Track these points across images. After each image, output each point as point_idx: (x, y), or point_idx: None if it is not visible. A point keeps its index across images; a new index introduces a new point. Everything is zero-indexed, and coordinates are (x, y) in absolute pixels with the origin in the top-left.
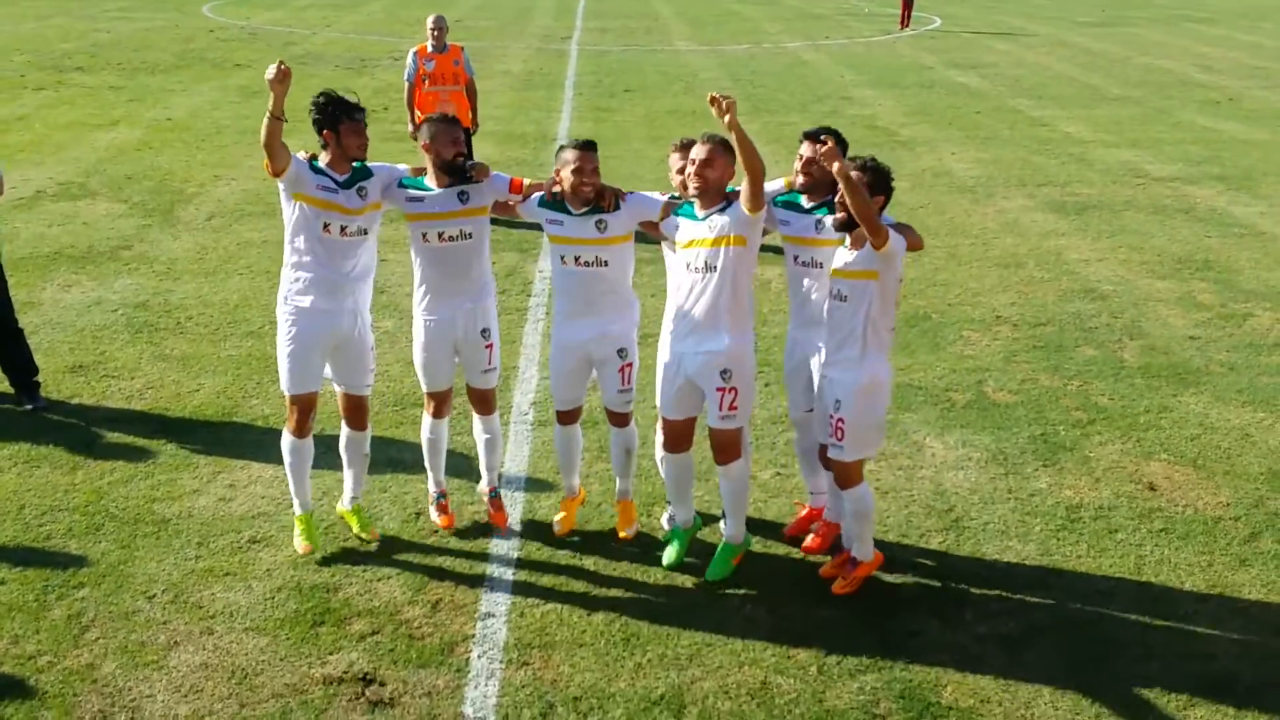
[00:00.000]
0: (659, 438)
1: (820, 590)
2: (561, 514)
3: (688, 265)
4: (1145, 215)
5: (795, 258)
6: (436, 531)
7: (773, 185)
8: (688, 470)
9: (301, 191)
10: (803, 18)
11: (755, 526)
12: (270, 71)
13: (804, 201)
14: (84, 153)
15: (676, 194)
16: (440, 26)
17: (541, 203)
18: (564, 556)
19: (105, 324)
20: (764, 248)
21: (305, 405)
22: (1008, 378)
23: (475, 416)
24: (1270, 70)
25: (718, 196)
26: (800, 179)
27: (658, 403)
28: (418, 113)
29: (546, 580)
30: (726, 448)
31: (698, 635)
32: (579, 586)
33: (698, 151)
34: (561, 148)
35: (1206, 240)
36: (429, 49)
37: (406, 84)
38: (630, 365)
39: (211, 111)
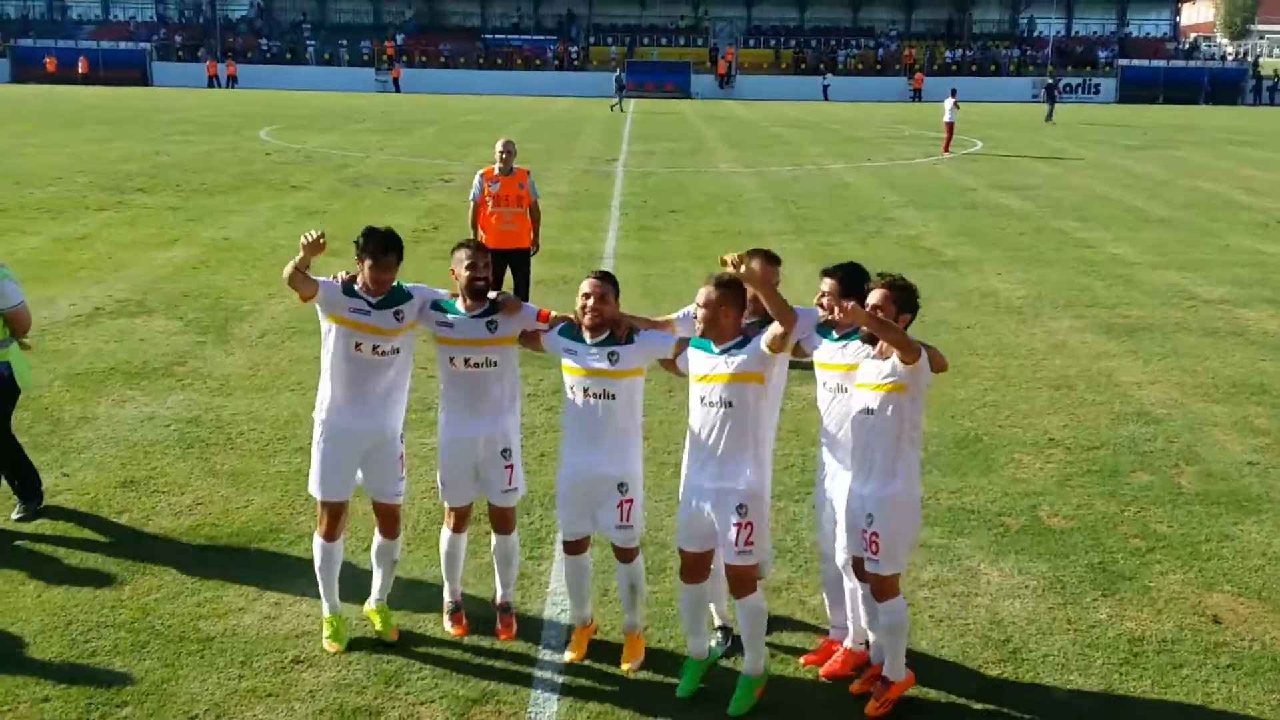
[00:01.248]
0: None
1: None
2: (573, 644)
3: (702, 399)
4: (1197, 338)
5: (824, 384)
6: (483, 649)
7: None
8: (703, 602)
9: (334, 313)
10: (844, 141)
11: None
12: (308, 236)
13: (834, 333)
14: (142, 271)
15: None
16: (509, 150)
17: (562, 331)
18: (610, 682)
19: (157, 439)
20: (811, 363)
21: (334, 511)
22: (1063, 502)
23: (493, 535)
24: None
25: (732, 334)
26: (820, 312)
27: (679, 536)
28: (480, 232)
29: (593, 704)
30: (742, 582)
31: None
32: (626, 711)
33: (703, 294)
34: (592, 275)
35: (1261, 363)
36: (495, 171)
37: (471, 204)
38: (631, 501)
39: (267, 231)
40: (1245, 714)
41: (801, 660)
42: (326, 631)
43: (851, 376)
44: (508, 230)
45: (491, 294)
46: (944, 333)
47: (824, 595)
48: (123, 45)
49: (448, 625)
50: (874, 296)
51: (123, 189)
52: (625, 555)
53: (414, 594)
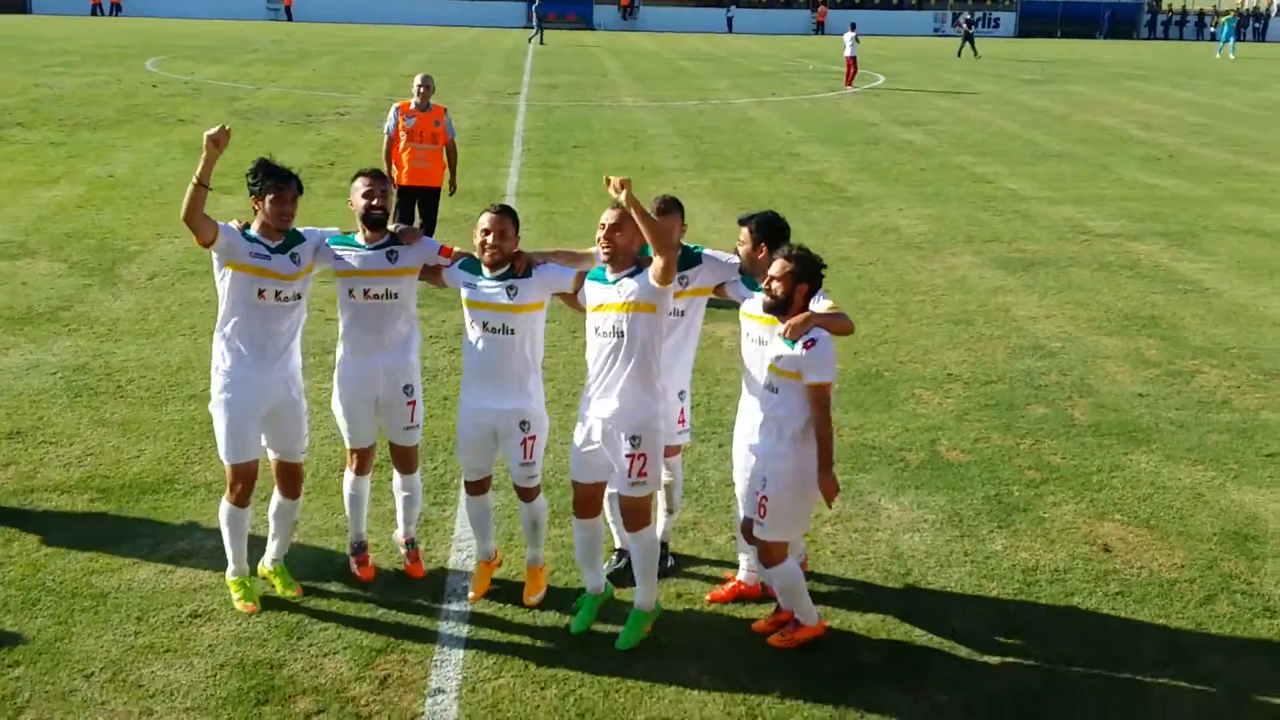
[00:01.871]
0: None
1: (776, 660)
2: (475, 580)
3: (596, 329)
4: (1090, 272)
5: (748, 334)
6: (387, 598)
7: (729, 258)
8: (597, 536)
9: (234, 259)
10: (748, 75)
11: (707, 586)
12: (212, 130)
13: (758, 282)
14: (23, 211)
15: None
16: (427, 85)
17: (463, 265)
18: (515, 627)
19: (43, 388)
20: (718, 304)
21: (247, 474)
22: (960, 436)
23: (395, 473)
24: (1208, 127)
25: (629, 260)
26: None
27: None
28: (394, 168)
29: (498, 653)
30: (636, 514)
31: (653, 710)
32: (531, 659)
33: (607, 216)
34: (484, 211)
35: (1152, 296)
36: (412, 106)
37: (385, 137)
38: (533, 438)
39: (154, 168)
40: (1135, 638)
41: (708, 597)
42: (237, 594)
43: (773, 331)
44: (420, 167)
45: (391, 225)
46: (846, 269)
47: (738, 536)
48: None
49: (354, 568)
50: (774, 268)
51: (0, 124)
52: (528, 494)
53: (316, 544)
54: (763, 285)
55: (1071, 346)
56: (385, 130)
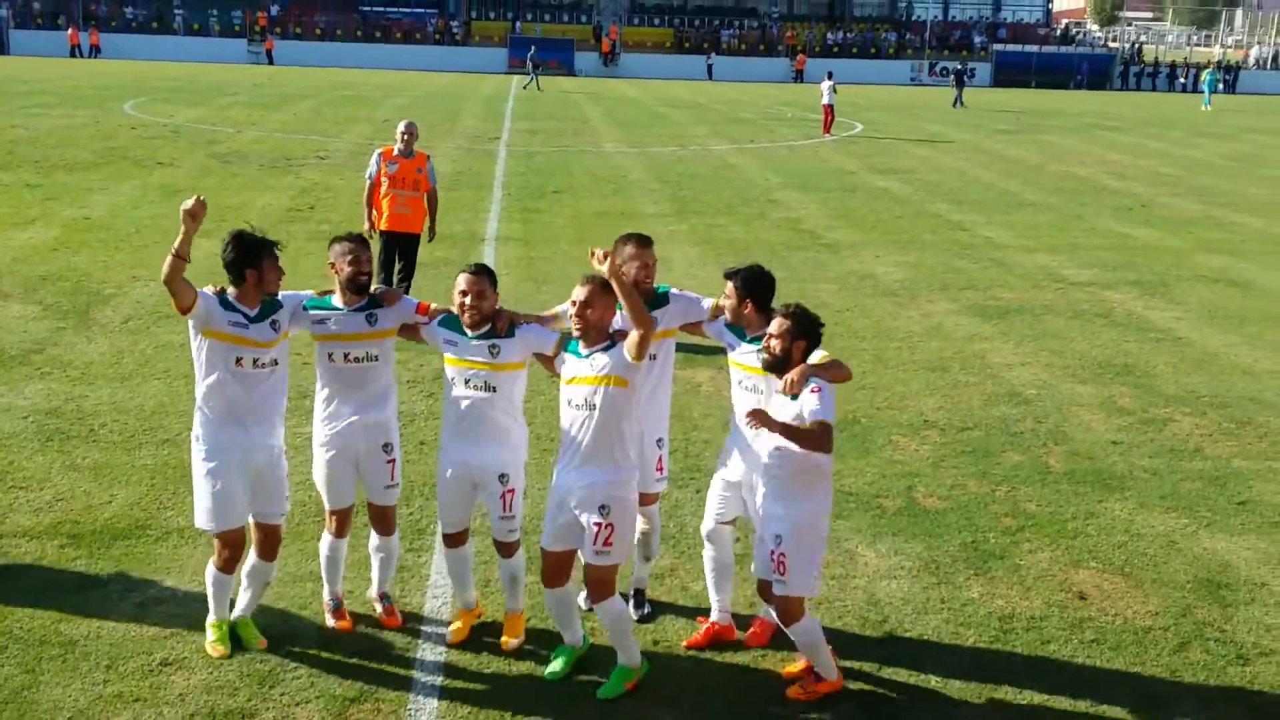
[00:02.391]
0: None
1: (752, 710)
2: (456, 624)
3: (569, 401)
4: (1065, 320)
5: (740, 382)
6: (361, 646)
7: (705, 303)
8: (568, 602)
9: (211, 328)
10: (728, 121)
11: (684, 631)
12: (187, 202)
13: (747, 334)
14: None
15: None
16: (411, 133)
17: (442, 322)
18: (490, 677)
19: (14, 432)
20: (696, 348)
21: (235, 542)
22: (937, 483)
23: (373, 534)
24: (1178, 178)
25: (601, 336)
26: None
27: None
28: (375, 213)
29: (472, 703)
30: (600, 584)
31: None
32: (506, 710)
33: (577, 293)
34: (461, 271)
35: (1125, 344)
36: (395, 152)
37: (367, 182)
38: (512, 492)
39: (131, 210)
40: (1110, 686)
41: (684, 644)
42: (213, 635)
43: (767, 380)
44: (401, 213)
45: (372, 287)
46: (825, 315)
47: (708, 578)
48: None
49: (330, 621)
50: (772, 326)
51: None
52: (507, 550)
53: (289, 591)
54: (762, 344)
55: (1046, 394)
56: (367, 175)
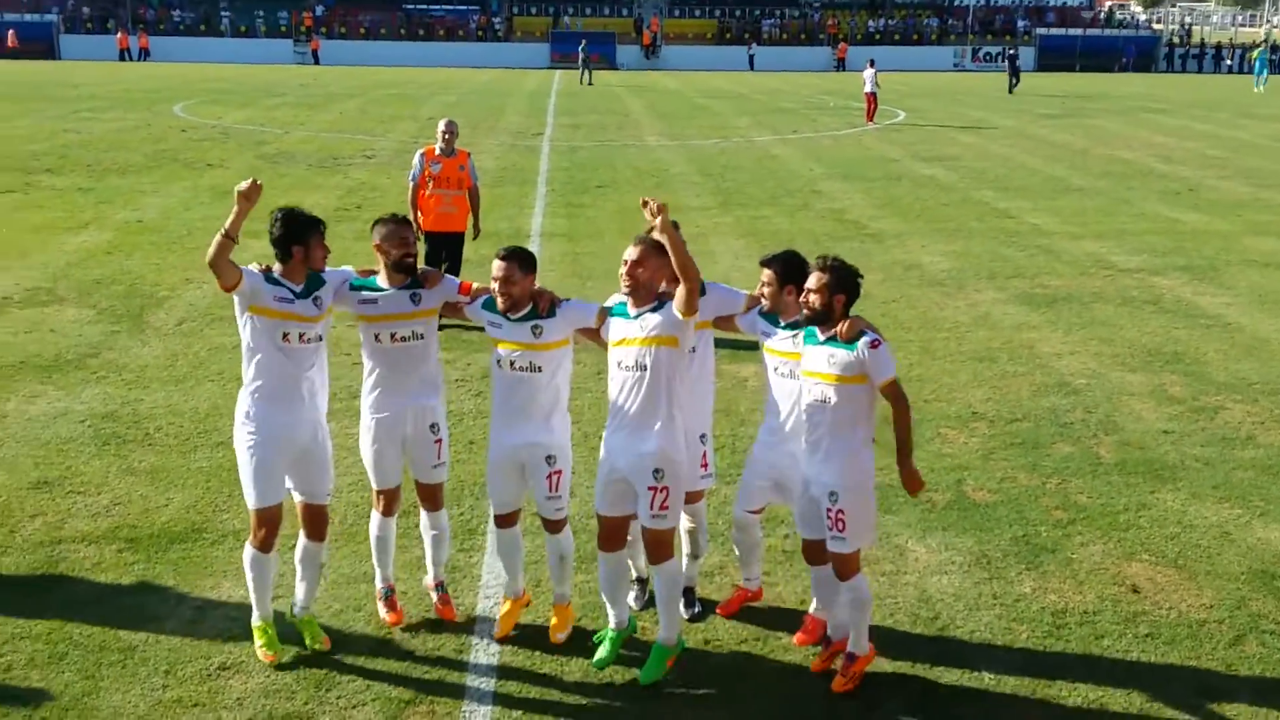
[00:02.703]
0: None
1: (803, 707)
2: (504, 610)
3: (619, 364)
4: (1114, 307)
5: (775, 369)
6: (415, 648)
7: (740, 296)
8: (622, 569)
9: (258, 304)
10: (770, 112)
11: (735, 631)
12: (242, 185)
13: (781, 320)
14: (51, 257)
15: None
16: (452, 131)
17: (485, 305)
18: (543, 679)
19: (71, 436)
20: (740, 344)
21: (272, 519)
22: (986, 476)
23: (423, 513)
24: (1226, 160)
25: (649, 296)
26: (759, 299)
27: (595, 501)
28: (419, 214)
29: (525, 705)
30: (659, 547)
31: None
32: (558, 712)
33: (629, 252)
34: (499, 255)
35: (1175, 332)
36: (437, 152)
37: (410, 184)
38: (559, 473)
39: (183, 212)
40: (1165, 681)
41: (717, 609)
42: (259, 640)
43: (798, 364)
44: (446, 213)
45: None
46: (869, 307)
47: (739, 557)
48: (28, 17)
49: (382, 612)
50: (810, 280)
51: (29, 170)
52: (554, 526)
53: (343, 593)
54: (801, 300)
55: (1096, 383)
56: (410, 177)
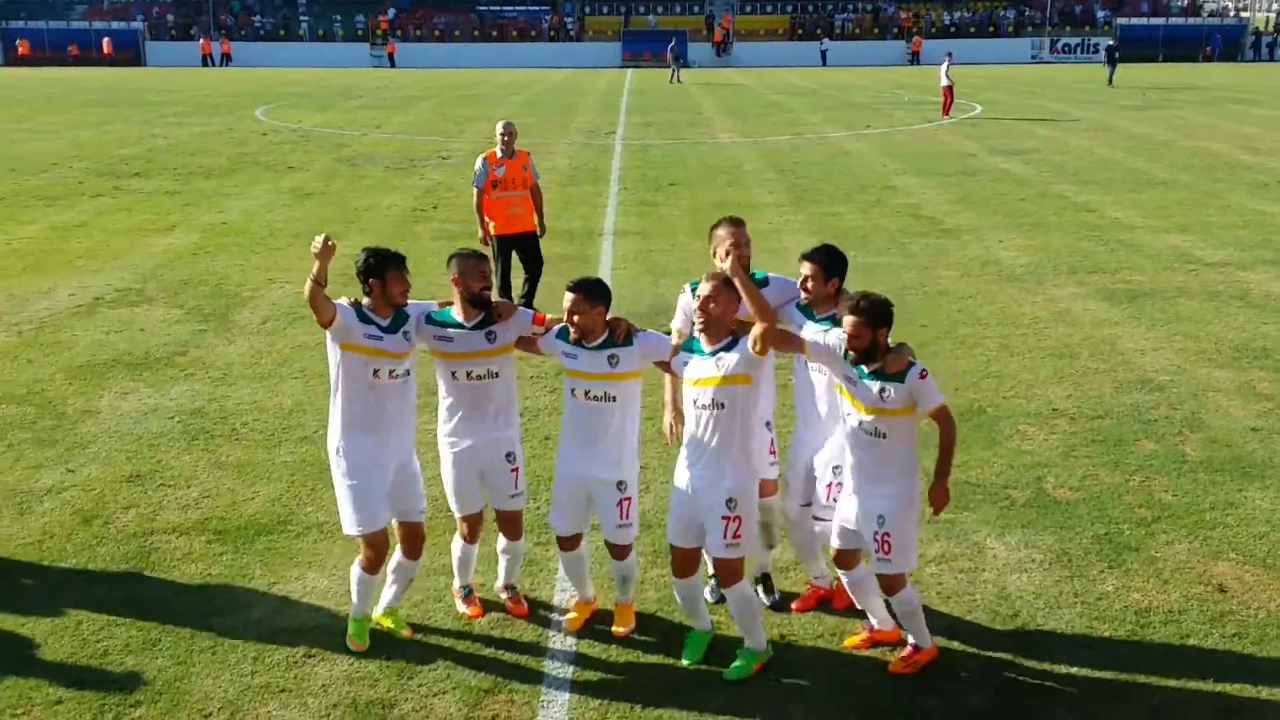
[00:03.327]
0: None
1: (881, 702)
2: (573, 614)
3: (695, 402)
4: (1199, 302)
5: (807, 363)
6: (494, 638)
7: (788, 279)
8: (696, 591)
9: (350, 341)
10: (843, 107)
11: (811, 625)
12: (315, 245)
13: (815, 313)
14: (141, 259)
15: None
16: (510, 132)
17: (559, 335)
18: (620, 668)
19: (162, 432)
20: None
21: (377, 544)
22: (1068, 474)
23: (501, 537)
24: None
25: (723, 331)
26: (802, 295)
27: (669, 530)
28: (487, 219)
29: (603, 695)
30: (730, 574)
31: None
32: (636, 703)
33: (702, 289)
34: (568, 287)
35: (1263, 327)
36: (498, 154)
37: (475, 190)
38: (629, 499)
39: (265, 214)
40: (1253, 682)
41: (792, 606)
42: (353, 629)
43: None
44: (516, 214)
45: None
46: (946, 303)
47: (800, 555)
48: (115, 25)
49: (462, 608)
50: (847, 325)
51: (119, 174)
52: (621, 552)
53: (424, 584)
54: (846, 345)
55: (1181, 380)
56: (475, 184)
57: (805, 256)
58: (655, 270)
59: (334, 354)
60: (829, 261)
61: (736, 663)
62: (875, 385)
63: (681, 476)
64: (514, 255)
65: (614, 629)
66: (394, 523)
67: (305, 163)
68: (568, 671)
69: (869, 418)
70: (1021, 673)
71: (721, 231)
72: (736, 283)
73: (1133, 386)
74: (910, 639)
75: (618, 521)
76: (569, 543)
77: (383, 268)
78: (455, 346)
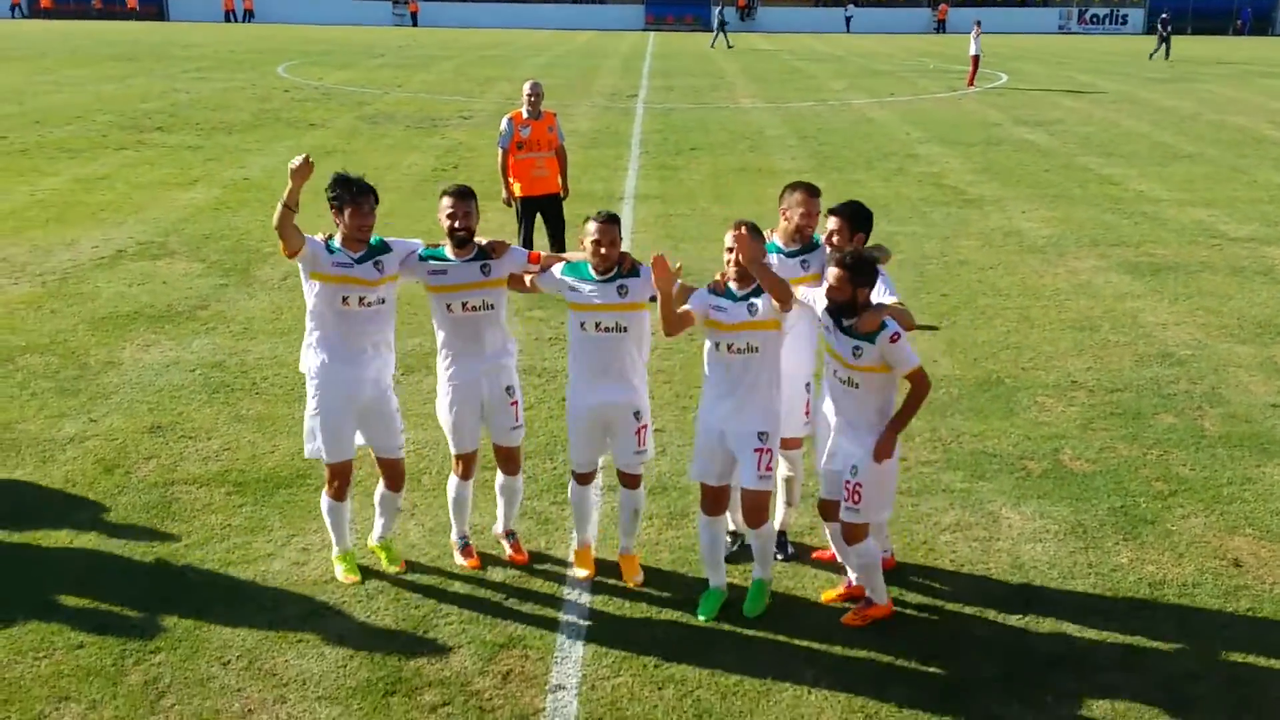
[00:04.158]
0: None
1: (893, 667)
2: (579, 566)
3: (730, 346)
4: (1223, 277)
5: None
6: (509, 591)
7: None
8: (722, 535)
9: (318, 270)
10: (867, 74)
11: (829, 583)
12: (294, 161)
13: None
14: (163, 212)
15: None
16: (537, 93)
17: (566, 270)
18: (634, 625)
19: (183, 384)
20: None
21: (343, 472)
22: (1085, 446)
23: (500, 474)
24: None
25: (751, 278)
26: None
27: (693, 470)
28: (512, 180)
29: (618, 650)
30: (759, 510)
31: (770, 713)
32: (650, 657)
33: (728, 239)
34: (587, 219)
35: None
36: (524, 115)
37: (500, 150)
38: (645, 427)
39: (286, 171)
40: (1265, 656)
41: (822, 597)
42: (341, 566)
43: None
44: (540, 176)
45: (479, 240)
46: (966, 273)
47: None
48: None
49: (459, 559)
50: (830, 276)
51: (142, 128)
52: (634, 481)
53: (441, 539)
54: (826, 293)
55: (1202, 354)
56: (500, 144)
57: (832, 211)
58: (675, 235)
59: (306, 285)
60: (854, 216)
61: (752, 596)
62: (850, 342)
63: (711, 415)
64: (538, 217)
65: (628, 582)
66: (375, 458)
67: (327, 120)
68: (581, 627)
69: (843, 370)
70: (1034, 642)
71: (797, 196)
72: (754, 271)
73: (1153, 360)
74: (865, 593)
75: (636, 448)
76: (587, 478)
77: (341, 200)
78: (449, 279)
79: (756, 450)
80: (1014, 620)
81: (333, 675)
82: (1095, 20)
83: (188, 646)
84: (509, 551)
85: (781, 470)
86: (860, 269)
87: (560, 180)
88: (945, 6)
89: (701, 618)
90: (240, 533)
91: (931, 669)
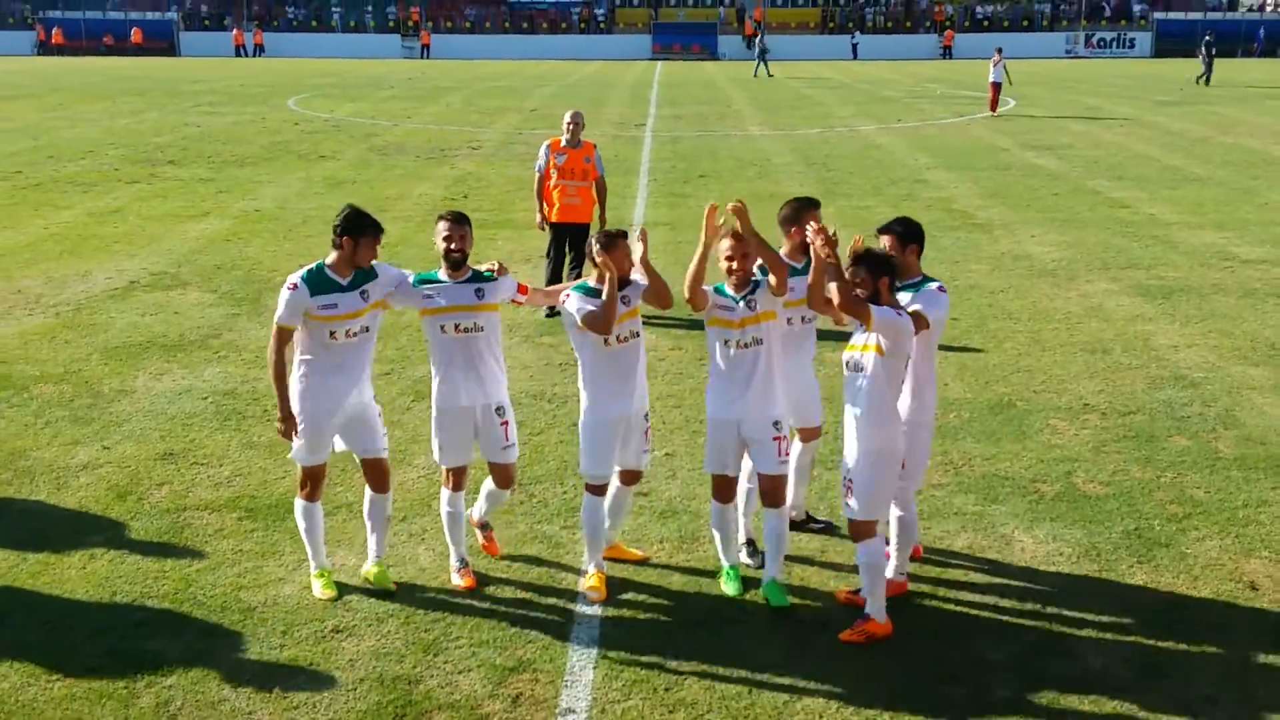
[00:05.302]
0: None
1: (908, 689)
2: (591, 589)
3: (739, 342)
4: (1235, 299)
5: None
6: (520, 616)
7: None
8: (733, 520)
9: (308, 313)
10: (874, 101)
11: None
12: (279, 427)
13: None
14: (175, 243)
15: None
16: (576, 122)
17: (585, 292)
18: (645, 648)
19: (195, 412)
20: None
21: (317, 475)
22: (1098, 469)
23: (490, 480)
24: None
25: (747, 280)
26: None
27: (707, 464)
28: (546, 205)
29: (628, 674)
30: (776, 494)
31: None
32: (660, 683)
33: (724, 246)
34: (600, 242)
35: None
36: (562, 143)
37: (536, 175)
38: (649, 425)
39: (298, 202)
40: None
41: (839, 597)
42: (319, 583)
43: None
44: (571, 204)
45: (483, 266)
46: (977, 297)
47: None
48: (150, 15)
49: (456, 580)
50: (849, 273)
51: (154, 161)
52: (636, 478)
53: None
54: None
55: (1215, 377)
56: (536, 168)
57: (881, 230)
58: (684, 262)
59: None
60: (904, 230)
61: (775, 594)
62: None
63: (726, 411)
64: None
65: (638, 555)
66: (358, 461)
67: (337, 152)
68: (592, 651)
69: (852, 353)
70: (1048, 665)
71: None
72: (753, 247)
73: (1166, 383)
74: (865, 607)
75: (644, 447)
76: (602, 489)
77: (360, 230)
78: (442, 301)
79: (775, 439)
80: (1028, 643)
81: (343, 698)
82: (1102, 44)
83: (199, 670)
84: (482, 542)
85: (804, 458)
86: (875, 265)
87: (598, 210)
88: (951, 33)
89: (730, 592)
90: (251, 557)
91: (945, 691)
